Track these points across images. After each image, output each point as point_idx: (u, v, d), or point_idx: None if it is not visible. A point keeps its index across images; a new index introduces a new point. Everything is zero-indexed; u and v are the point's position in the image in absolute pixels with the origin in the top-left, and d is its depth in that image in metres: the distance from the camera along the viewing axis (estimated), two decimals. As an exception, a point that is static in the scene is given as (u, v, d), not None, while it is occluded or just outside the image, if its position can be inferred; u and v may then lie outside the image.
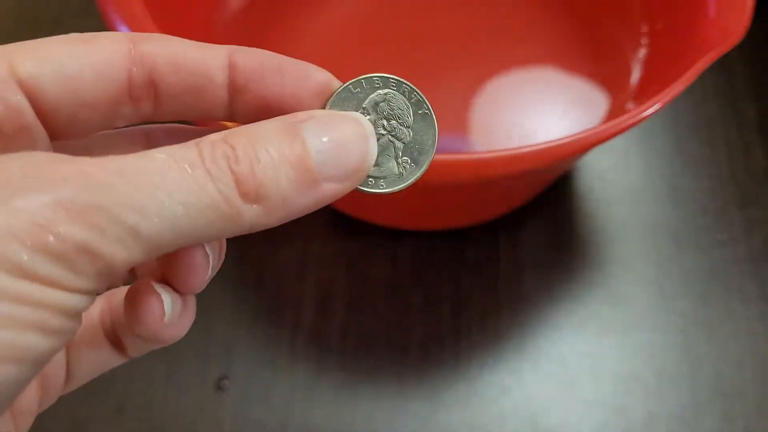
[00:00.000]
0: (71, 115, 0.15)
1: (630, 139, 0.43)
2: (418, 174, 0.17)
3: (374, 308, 0.38)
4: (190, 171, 0.13)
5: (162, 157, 0.13)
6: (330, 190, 0.15)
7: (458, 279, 0.39)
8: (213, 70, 0.15)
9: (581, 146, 0.28)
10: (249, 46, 0.16)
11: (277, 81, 0.16)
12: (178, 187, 0.13)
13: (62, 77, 0.14)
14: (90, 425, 0.35)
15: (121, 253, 0.12)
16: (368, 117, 0.17)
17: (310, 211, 0.15)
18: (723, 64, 0.45)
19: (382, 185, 0.17)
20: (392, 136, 0.17)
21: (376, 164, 0.16)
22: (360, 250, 0.40)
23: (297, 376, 0.36)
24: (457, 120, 0.41)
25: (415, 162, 0.17)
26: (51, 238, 0.12)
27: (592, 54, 0.43)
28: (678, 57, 0.34)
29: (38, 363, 0.12)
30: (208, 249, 0.16)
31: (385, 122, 0.17)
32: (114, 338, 0.18)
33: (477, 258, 0.40)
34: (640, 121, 0.28)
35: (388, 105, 0.17)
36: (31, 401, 0.17)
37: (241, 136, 0.14)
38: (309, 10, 0.45)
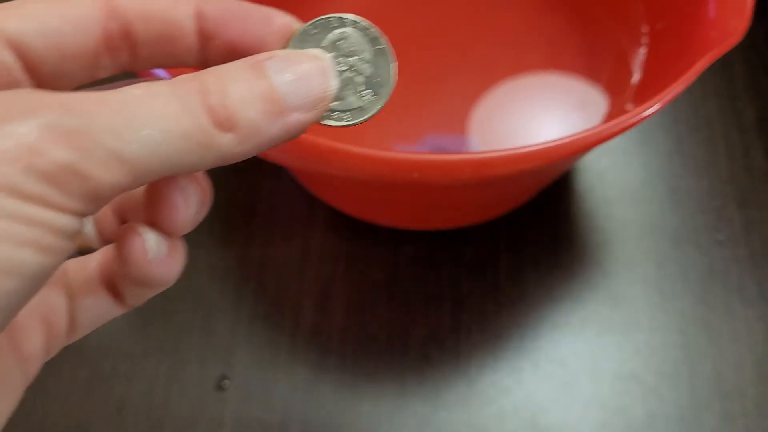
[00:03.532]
0: (56, 68, 0.16)
1: (630, 139, 0.43)
2: (380, 105, 0.18)
3: (374, 308, 0.38)
4: (164, 102, 0.14)
5: (138, 92, 0.14)
6: (297, 120, 0.16)
7: (458, 279, 0.39)
8: (181, 18, 0.16)
9: (581, 146, 0.28)
10: None
11: (241, 26, 0.17)
12: (154, 116, 0.14)
13: (46, 33, 0.15)
14: (90, 425, 0.35)
15: (107, 176, 0.13)
16: (328, 55, 0.17)
17: (281, 142, 0.16)
18: (723, 64, 0.45)
19: (347, 118, 0.18)
20: (353, 70, 0.18)
21: (340, 99, 0.18)
22: (360, 250, 0.40)
23: (297, 376, 0.36)
24: (457, 122, 0.41)
25: (378, 94, 0.18)
26: (40, 160, 0.13)
27: (592, 54, 0.43)
28: (678, 57, 0.34)
29: (35, 279, 0.13)
30: (188, 188, 0.17)
31: (344, 58, 0.18)
32: (113, 289, 0.19)
33: (477, 258, 0.40)
34: (640, 121, 0.28)
35: (346, 42, 0.18)
36: (36, 347, 0.18)
37: (209, 74, 0.15)
38: (309, 12, 0.45)
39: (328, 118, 0.17)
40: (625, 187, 0.42)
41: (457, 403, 0.35)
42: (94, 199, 0.14)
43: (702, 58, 0.29)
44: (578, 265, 0.39)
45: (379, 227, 0.40)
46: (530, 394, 0.36)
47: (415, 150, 0.40)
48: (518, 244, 0.40)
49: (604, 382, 0.36)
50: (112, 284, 0.19)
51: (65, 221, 0.13)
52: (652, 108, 0.28)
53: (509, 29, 0.45)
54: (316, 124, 0.17)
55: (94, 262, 0.19)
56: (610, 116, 0.40)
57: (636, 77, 0.40)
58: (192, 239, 0.19)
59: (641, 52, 0.41)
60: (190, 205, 0.17)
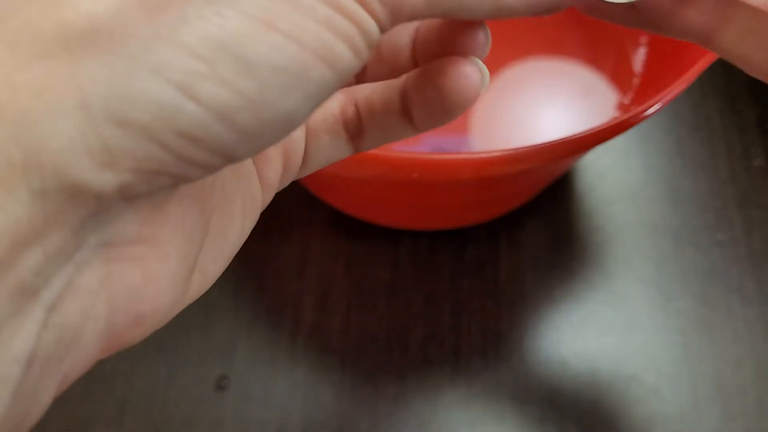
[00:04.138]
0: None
1: (630, 139, 0.43)
2: None
3: (374, 308, 0.38)
4: None
5: None
6: None
7: (458, 279, 0.39)
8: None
9: (581, 146, 0.28)
10: None
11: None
12: None
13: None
14: (90, 425, 0.35)
15: None
16: None
17: None
18: (723, 64, 0.45)
19: None
20: None
21: None
22: (360, 250, 0.40)
23: (297, 376, 0.36)
24: (457, 120, 0.41)
25: None
26: None
27: (592, 54, 0.43)
28: (678, 57, 0.34)
29: (342, 79, 0.13)
30: (485, 29, 0.17)
31: None
32: (353, 131, 0.19)
33: (477, 258, 0.40)
34: (640, 121, 0.28)
35: None
36: (275, 176, 0.18)
37: None
38: None
39: None
40: (625, 187, 0.42)
41: (457, 403, 0.35)
42: (395, 14, 0.14)
43: (702, 58, 0.30)
44: (578, 265, 0.39)
45: (379, 227, 0.40)
46: (530, 394, 0.36)
47: (415, 150, 0.40)
48: (518, 244, 0.40)
49: (605, 382, 0.36)
50: (353, 126, 0.19)
51: (373, 27, 0.13)
52: (652, 108, 0.28)
53: (511, 25, 0.45)
54: None
55: (336, 101, 0.19)
56: (611, 116, 0.40)
57: (636, 76, 0.40)
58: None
59: (641, 52, 0.41)
60: (488, 42, 0.17)
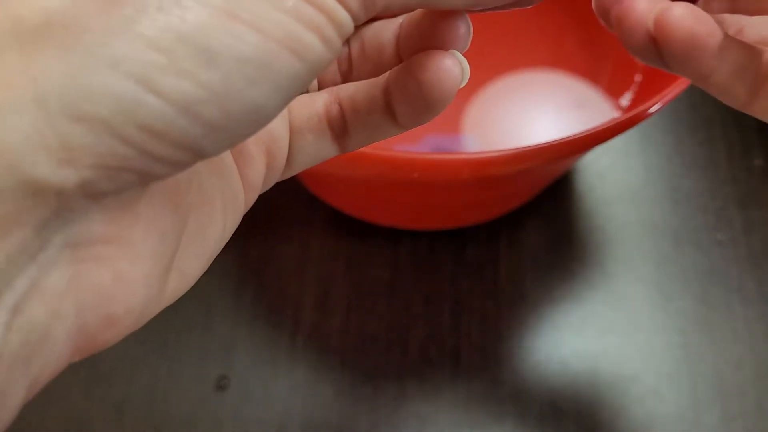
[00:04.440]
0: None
1: (630, 139, 0.43)
2: None
3: (374, 308, 0.38)
4: None
5: None
6: None
7: (458, 279, 0.39)
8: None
9: (581, 146, 0.28)
10: None
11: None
12: None
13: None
14: (90, 425, 0.35)
15: None
16: None
17: None
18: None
19: None
20: None
21: None
22: (360, 250, 0.40)
23: (297, 376, 0.36)
24: (456, 121, 0.41)
25: None
26: None
27: (592, 54, 0.43)
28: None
29: (312, 72, 0.13)
30: (466, 20, 0.17)
31: None
32: (337, 130, 0.19)
33: (477, 258, 0.40)
34: (640, 121, 0.28)
35: None
36: (258, 176, 0.18)
37: None
38: None
39: None
40: (625, 187, 0.42)
41: (457, 404, 0.35)
42: (368, 4, 0.14)
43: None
44: (578, 265, 0.39)
45: (379, 227, 0.40)
46: (530, 394, 0.36)
47: (415, 150, 0.40)
48: (518, 244, 0.40)
49: (605, 382, 0.36)
50: (338, 125, 0.19)
51: (344, 17, 0.13)
52: (652, 108, 0.28)
53: (511, 29, 0.45)
54: None
55: (320, 100, 0.19)
56: (611, 116, 0.40)
57: (636, 77, 0.40)
58: (192, 239, 0.19)
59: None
60: (469, 34, 0.17)
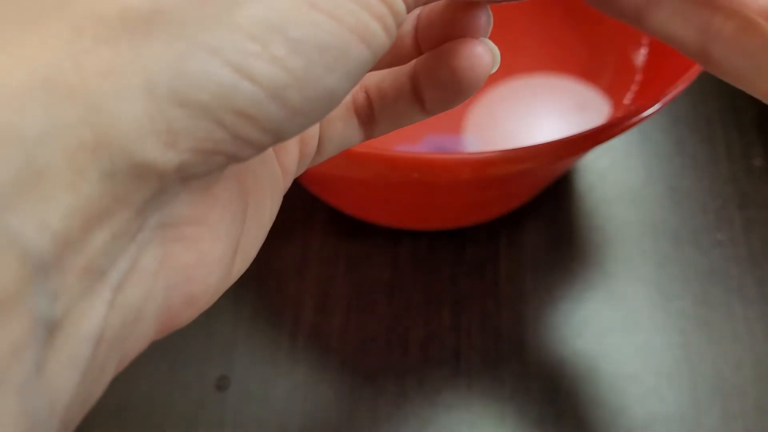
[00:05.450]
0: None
1: (630, 139, 0.43)
2: None
3: (374, 308, 0.38)
4: None
5: None
6: None
7: (458, 279, 0.39)
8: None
9: (581, 146, 0.28)
10: None
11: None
12: None
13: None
14: (90, 425, 0.35)
15: None
16: None
17: None
18: (723, 64, 0.45)
19: None
20: None
21: None
22: (360, 250, 0.40)
23: (297, 376, 0.36)
24: (456, 121, 0.41)
25: None
26: None
27: (592, 54, 0.43)
28: (678, 57, 0.34)
29: (375, 58, 0.14)
30: (486, 12, 0.18)
31: None
32: (364, 117, 0.19)
33: (477, 258, 0.40)
34: (640, 121, 0.28)
35: None
36: (293, 162, 0.19)
37: None
38: None
39: None
40: (625, 187, 0.42)
41: (457, 404, 0.35)
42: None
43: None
44: (578, 265, 0.39)
45: (379, 227, 0.40)
46: (530, 394, 0.36)
47: (415, 150, 0.40)
48: (518, 244, 0.40)
49: (605, 382, 0.36)
50: (365, 112, 0.19)
51: (401, 7, 0.14)
52: (652, 108, 0.28)
53: (511, 30, 0.45)
54: None
55: None
56: (611, 116, 0.40)
57: (636, 77, 0.40)
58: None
59: (642, 53, 0.41)
60: (490, 23, 0.18)
